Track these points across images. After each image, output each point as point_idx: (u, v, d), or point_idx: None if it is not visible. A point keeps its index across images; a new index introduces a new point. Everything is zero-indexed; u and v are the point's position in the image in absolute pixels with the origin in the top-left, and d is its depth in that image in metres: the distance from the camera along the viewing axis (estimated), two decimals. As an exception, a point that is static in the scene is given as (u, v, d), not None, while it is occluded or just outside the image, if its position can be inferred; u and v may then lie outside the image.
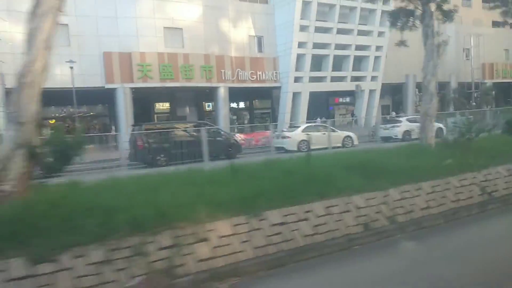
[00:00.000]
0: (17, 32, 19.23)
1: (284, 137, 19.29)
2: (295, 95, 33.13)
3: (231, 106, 34.01)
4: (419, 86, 26.10)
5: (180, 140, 15.89)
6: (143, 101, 30.27)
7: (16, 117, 6.39)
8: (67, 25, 25.74)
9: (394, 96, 41.05)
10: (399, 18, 12.73)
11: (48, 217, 5.01)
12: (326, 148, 15.90)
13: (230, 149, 17.61)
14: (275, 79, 33.23)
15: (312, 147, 15.27)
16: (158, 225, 5.26)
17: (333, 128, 20.24)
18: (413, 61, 30.82)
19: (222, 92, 30.58)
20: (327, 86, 34.44)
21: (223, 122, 30.18)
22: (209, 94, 31.68)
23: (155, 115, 32.83)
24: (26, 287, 4.42)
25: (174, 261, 5.03)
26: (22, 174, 6.23)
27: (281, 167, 8.07)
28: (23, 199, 5.64)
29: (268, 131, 21.88)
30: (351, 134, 20.87)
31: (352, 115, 36.74)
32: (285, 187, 6.74)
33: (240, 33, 32.08)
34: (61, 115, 31.18)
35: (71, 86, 24.09)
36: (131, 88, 27.31)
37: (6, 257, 4.51)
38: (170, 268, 4.98)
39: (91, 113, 33.68)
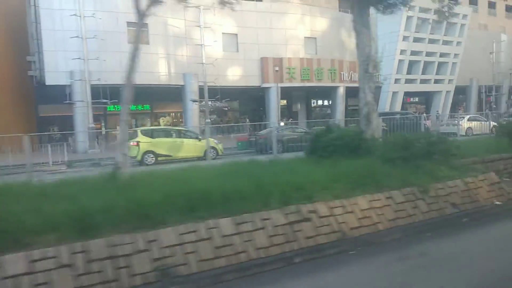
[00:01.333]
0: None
1: (454, 125, 23.64)
2: (393, 94, 39.38)
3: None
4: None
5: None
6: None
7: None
8: (236, 34, 31.38)
9: (456, 97, 47.79)
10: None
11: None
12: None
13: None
14: (377, 80, 39.28)
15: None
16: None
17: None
18: (475, 66, 37.59)
19: (341, 91, 36.58)
20: (417, 87, 40.81)
21: (340, 116, 36.20)
22: (318, 92, 37.60)
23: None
24: (235, 241, 5.72)
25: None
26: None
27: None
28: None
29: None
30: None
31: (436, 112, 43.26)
32: None
33: (352, 41, 37.90)
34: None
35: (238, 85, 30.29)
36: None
37: (219, 218, 5.85)
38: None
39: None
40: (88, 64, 24.79)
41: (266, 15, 32.57)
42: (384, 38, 38.97)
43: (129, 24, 25.83)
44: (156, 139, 16.57)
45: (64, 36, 24.77)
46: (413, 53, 39.30)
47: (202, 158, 15.61)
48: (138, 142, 15.91)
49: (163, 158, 15.90)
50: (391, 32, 38.24)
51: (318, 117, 39.35)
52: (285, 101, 39.73)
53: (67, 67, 25.22)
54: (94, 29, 24.87)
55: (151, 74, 27.24)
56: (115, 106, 26.63)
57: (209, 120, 27.87)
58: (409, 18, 38.09)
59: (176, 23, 28.53)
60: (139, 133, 16.75)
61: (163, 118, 34.96)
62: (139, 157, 15.72)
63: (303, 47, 34.34)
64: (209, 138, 16.43)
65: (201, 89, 28.72)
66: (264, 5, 33.81)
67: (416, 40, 39.32)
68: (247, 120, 35.70)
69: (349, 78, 37.22)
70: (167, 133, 18.03)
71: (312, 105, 41.20)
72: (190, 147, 16.67)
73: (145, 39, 26.84)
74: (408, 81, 40.14)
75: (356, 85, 37.14)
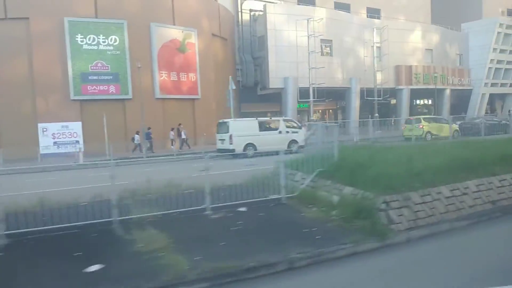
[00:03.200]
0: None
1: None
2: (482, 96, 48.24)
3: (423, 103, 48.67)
4: None
5: None
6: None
7: None
8: (379, 47, 39.72)
9: None
10: None
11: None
12: None
13: None
14: (468, 84, 48.04)
15: None
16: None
17: None
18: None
19: (448, 93, 45.16)
20: (498, 90, 49.68)
21: (446, 114, 44.75)
22: (422, 93, 45.96)
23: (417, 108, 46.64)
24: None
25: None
26: None
27: None
28: None
29: None
30: None
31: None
32: None
33: (453, 51, 46.73)
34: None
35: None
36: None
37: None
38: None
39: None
40: (304, 71, 32.94)
41: (400, 32, 40.97)
42: (475, 50, 47.88)
43: (322, 41, 34.28)
44: (432, 124, 24.88)
45: (282, 49, 32.91)
46: (499, 62, 48.19)
47: (446, 137, 23.63)
48: (422, 125, 24.21)
49: (434, 136, 24.10)
50: (483, 45, 47.06)
51: (419, 113, 47.79)
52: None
53: (283, 73, 33.33)
54: (304, 44, 32.99)
55: (332, 79, 35.61)
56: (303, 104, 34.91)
57: (377, 115, 36.02)
58: (499, 33, 46.96)
59: (348, 40, 36.86)
60: (422, 120, 25.10)
61: (315, 114, 43.11)
62: (423, 135, 23.81)
63: (423, 57, 42.83)
64: (453, 124, 24.76)
65: (361, 91, 37.12)
66: (400, 24, 42.25)
67: (501, 51, 48.21)
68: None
69: (455, 82, 45.84)
70: (436, 120, 26.56)
71: (414, 103, 49.68)
72: (446, 129, 24.66)
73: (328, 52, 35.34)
74: (493, 84, 49.00)
75: (459, 88, 46.37)
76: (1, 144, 23.56)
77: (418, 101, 47.66)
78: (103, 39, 25.28)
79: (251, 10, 36.47)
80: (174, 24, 27.95)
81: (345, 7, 42.78)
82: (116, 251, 5.96)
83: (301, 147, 18.34)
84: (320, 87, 33.76)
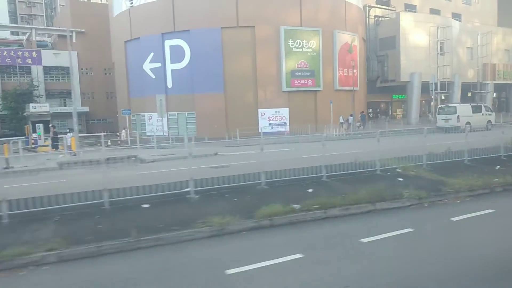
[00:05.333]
0: None
1: None
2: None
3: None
4: None
5: None
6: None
7: None
8: (471, 48, 47.12)
9: None
10: None
11: None
12: None
13: None
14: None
15: None
16: None
17: None
18: None
19: (518, 86, 52.87)
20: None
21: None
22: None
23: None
24: None
25: None
26: None
27: None
28: None
29: None
30: None
31: None
32: None
33: (521, 51, 54.39)
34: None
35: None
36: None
37: None
38: None
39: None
40: (423, 68, 40.27)
41: (488, 35, 48.46)
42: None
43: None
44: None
45: (409, 49, 40.18)
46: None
47: None
48: None
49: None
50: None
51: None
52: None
53: (409, 70, 40.68)
54: (425, 45, 40.27)
55: (441, 75, 43.06)
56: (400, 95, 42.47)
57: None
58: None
59: (453, 42, 44.29)
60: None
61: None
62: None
63: (502, 56, 50.47)
64: None
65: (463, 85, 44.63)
66: (485, 28, 49.77)
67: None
68: None
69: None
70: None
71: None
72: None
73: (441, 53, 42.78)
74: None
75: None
76: (229, 124, 30.65)
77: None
78: (305, 43, 32.30)
79: (375, 16, 43.61)
80: (345, 30, 35.02)
81: (436, 13, 50.05)
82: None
83: (493, 125, 25.90)
84: (426, 81, 41.12)
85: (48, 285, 5.23)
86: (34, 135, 28.49)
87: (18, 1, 79.97)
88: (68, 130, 24.67)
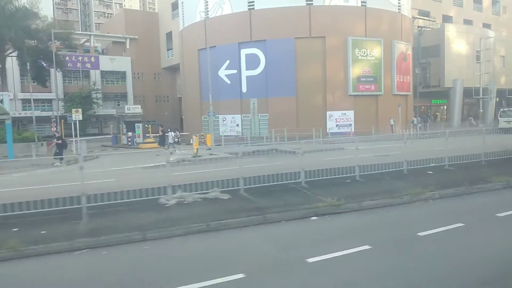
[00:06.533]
0: None
1: None
2: None
3: None
4: None
5: None
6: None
7: None
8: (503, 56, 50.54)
9: None
10: None
11: None
12: None
13: None
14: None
15: None
16: None
17: None
18: None
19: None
20: None
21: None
22: None
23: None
24: None
25: None
26: None
27: None
28: None
29: None
30: None
31: None
32: None
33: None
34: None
35: None
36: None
37: None
38: None
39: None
40: (464, 75, 43.54)
41: (519, 44, 51.90)
42: None
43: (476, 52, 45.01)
44: None
45: (453, 57, 43.45)
46: None
47: None
48: None
49: None
50: None
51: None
52: None
53: (452, 76, 43.96)
54: (466, 54, 43.59)
55: (476, 81, 46.39)
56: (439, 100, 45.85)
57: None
58: None
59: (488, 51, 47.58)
60: None
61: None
62: None
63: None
64: None
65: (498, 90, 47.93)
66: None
67: None
68: None
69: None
70: None
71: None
72: None
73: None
74: None
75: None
76: (299, 125, 33.79)
77: None
78: (369, 52, 35.54)
79: (418, 27, 46.96)
80: (401, 40, 38.29)
81: (469, 23, 53.46)
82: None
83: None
84: (468, 87, 44.41)
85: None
86: (130, 133, 31.49)
87: (56, 7, 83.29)
88: (169, 130, 27.62)
